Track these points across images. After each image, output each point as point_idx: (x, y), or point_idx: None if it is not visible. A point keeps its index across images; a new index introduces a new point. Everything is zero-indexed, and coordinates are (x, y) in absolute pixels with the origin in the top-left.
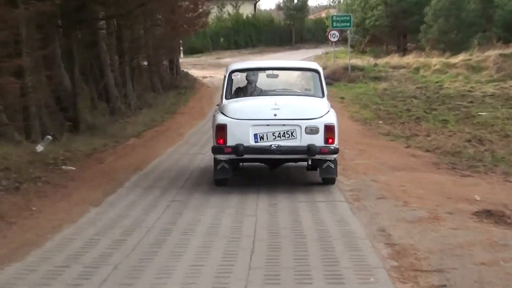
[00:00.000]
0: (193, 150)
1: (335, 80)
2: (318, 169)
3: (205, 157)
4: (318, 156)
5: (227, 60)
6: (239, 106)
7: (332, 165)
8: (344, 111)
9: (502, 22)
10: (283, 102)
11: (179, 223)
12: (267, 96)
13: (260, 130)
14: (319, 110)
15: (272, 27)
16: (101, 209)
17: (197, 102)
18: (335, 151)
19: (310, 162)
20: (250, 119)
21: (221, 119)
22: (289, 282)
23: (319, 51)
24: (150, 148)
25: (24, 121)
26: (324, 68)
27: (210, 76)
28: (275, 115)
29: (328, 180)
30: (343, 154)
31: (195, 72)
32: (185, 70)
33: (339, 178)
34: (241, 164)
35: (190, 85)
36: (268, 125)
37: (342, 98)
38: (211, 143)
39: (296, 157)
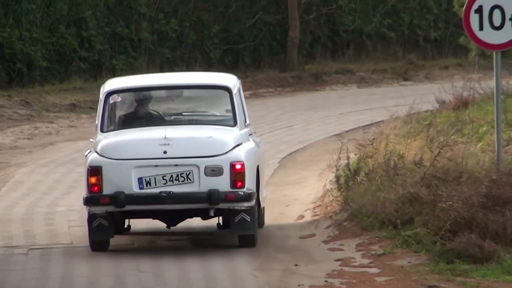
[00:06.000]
0: None
1: None
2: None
3: None
4: (223, 205)
5: None
6: (117, 142)
7: (248, 217)
8: None
9: None
10: (176, 134)
11: None
12: (157, 126)
13: (146, 173)
14: (223, 144)
15: None
16: None
17: None
18: (247, 198)
19: (212, 214)
20: (132, 159)
21: (94, 159)
22: None
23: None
24: None
25: None
26: None
27: None
28: (165, 152)
29: (244, 239)
30: None
31: None
32: None
33: None
34: (127, 221)
35: None
36: (156, 166)
37: None
38: None
39: (194, 206)
